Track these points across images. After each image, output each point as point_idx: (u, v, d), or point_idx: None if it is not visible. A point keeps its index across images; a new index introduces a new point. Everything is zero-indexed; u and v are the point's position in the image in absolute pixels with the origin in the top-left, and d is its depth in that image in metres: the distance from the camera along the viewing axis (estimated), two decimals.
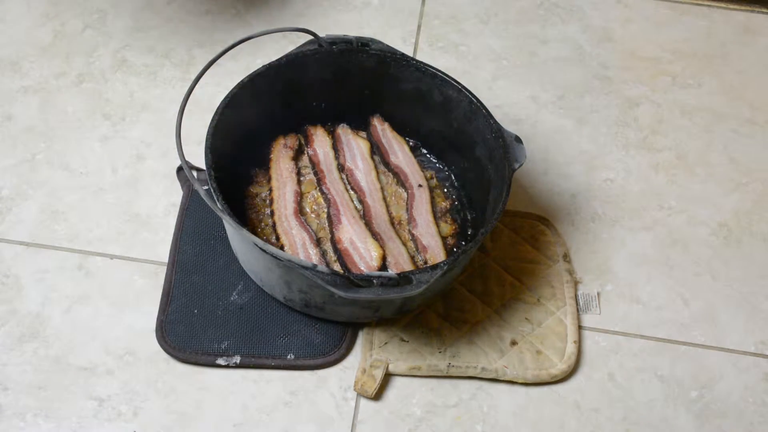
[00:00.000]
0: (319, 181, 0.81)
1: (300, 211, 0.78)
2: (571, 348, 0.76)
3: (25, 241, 0.82)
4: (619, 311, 0.81)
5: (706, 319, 0.82)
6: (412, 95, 0.83)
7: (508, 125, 0.95)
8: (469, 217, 0.83)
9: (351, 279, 0.62)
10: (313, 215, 0.79)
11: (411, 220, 0.79)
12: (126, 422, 0.71)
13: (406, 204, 0.81)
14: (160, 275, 0.79)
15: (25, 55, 0.98)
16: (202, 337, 0.75)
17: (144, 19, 1.04)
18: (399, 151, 0.84)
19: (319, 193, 0.80)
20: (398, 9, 1.08)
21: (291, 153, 0.83)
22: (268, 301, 0.77)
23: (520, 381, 0.74)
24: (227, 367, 0.74)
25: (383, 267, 0.74)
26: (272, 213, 0.78)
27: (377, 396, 0.73)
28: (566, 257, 0.83)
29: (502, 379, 0.74)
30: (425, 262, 0.75)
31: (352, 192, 0.81)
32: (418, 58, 1.01)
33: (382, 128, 0.86)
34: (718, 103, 1.01)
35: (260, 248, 0.62)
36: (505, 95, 1.00)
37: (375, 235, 0.76)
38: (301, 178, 0.81)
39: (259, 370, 0.74)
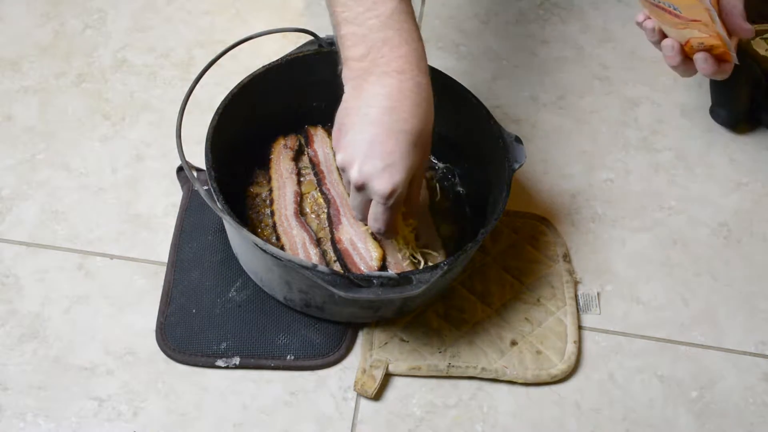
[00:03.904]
0: (320, 182, 0.81)
1: (300, 212, 0.78)
2: (571, 348, 0.76)
3: (25, 241, 0.82)
4: (619, 311, 0.81)
5: (706, 319, 0.82)
6: None
7: (508, 125, 0.95)
8: (469, 217, 0.83)
9: (351, 279, 0.62)
10: (313, 215, 0.79)
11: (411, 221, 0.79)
12: (126, 422, 0.71)
13: None
14: (160, 275, 0.79)
15: (25, 55, 0.98)
16: (201, 339, 0.75)
17: (144, 19, 1.04)
18: None
19: (319, 194, 0.80)
20: None
21: (291, 153, 0.83)
22: (267, 300, 0.77)
23: (520, 381, 0.74)
24: (227, 368, 0.74)
25: (383, 267, 0.74)
26: (272, 213, 0.78)
27: (377, 396, 0.73)
28: (566, 257, 0.83)
29: (502, 379, 0.74)
30: (425, 262, 0.75)
31: None
32: None
33: None
34: None
35: (260, 248, 0.62)
36: (505, 95, 1.00)
37: (375, 236, 0.76)
38: (302, 179, 0.81)
39: (258, 370, 0.74)
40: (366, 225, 0.69)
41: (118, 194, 0.86)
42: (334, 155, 0.83)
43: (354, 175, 0.62)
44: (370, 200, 0.65)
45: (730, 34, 0.65)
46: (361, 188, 0.63)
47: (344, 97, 0.65)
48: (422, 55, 0.64)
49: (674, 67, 0.70)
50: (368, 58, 0.62)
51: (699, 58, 0.68)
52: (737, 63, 0.67)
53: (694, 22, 0.64)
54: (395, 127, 0.61)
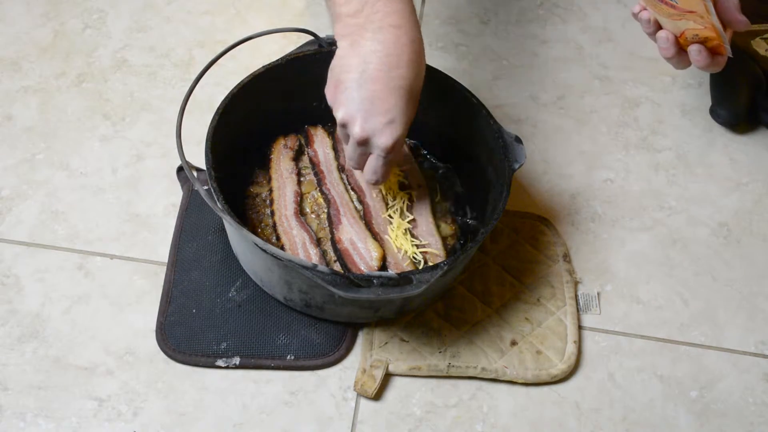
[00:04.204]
0: (320, 182, 0.81)
1: (300, 212, 0.78)
2: (571, 348, 0.76)
3: (25, 241, 0.82)
4: (619, 311, 0.81)
5: (706, 319, 0.82)
6: None
7: (508, 125, 0.95)
8: (469, 217, 0.83)
9: (351, 279, 0.62)
10: (313, 215, 0.79)
11: (411, 220, 0.79)
12: (126, 422, 0.71)
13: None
14: (160, 275, 0.79)
15: (25, 55, 0.98)
16: (201, 339, 0.75)
17: (144, 19, 1.04)
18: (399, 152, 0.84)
19: (319, 194, 0.80)
20: None
21: (291, 153, 0.83)
22: (267, 300, 0.77)
23: (520, 381, 0.74)
24: (227, 368, 0.74)
25: (383, 267, 0.74)
26: (272, 213, 0.78)
27: (377, 396, 0.73)
28: (566, 257, 0.83)
29: (502, 379, 0.74)
30: (425, 262, 0.75)
31: (352, 192, 0.81)
32: None
33: None
34: None
35: (261, 248, 0.62)
36: (505, 95, 1.00)
37: (375, 236, 0.76)
38: (302, 179, 0.81)
39: (258, 370, 0.74)
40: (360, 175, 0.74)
41: (118, 194, 0.86)
42: (335, 155, 0.83)
43: (356, 131, 0.64)
44: (368, 154, 0.68)
45: (725, 26, 0.65)
46: (363, 143, 0.66)
47: (338, 53, 0.66)
48: (413, 9, 0.65)
49: (668, 59, 0.71)
50: (363, 13, 0.63)
51: (693, 50, 0.68)
52: (731, 56, 0.67)
53: (690, 14, 0.64)
54: (394, 83, 0.63)
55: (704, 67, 0.68)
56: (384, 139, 0.64)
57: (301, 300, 0.72)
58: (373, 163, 0.68)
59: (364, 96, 0.63)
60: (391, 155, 0.66)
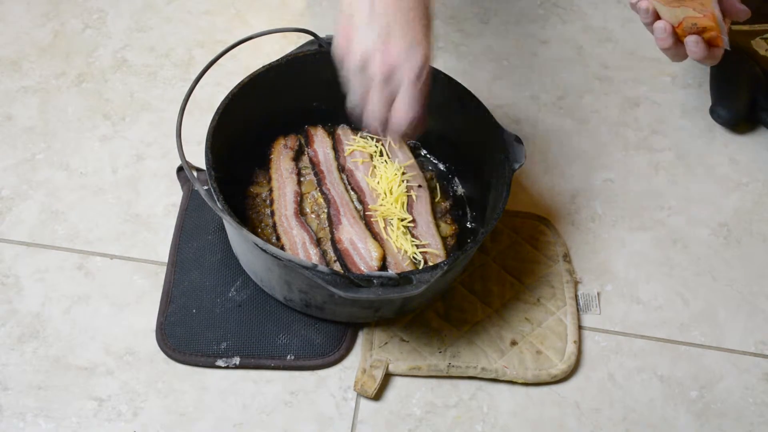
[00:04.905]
0: (320, 182, 0.81)
1: (300, 212, 0.78)
2: (571, 348, 0.76)
3: (25, 241, 0.82)
4: (619, 311, 0.81)
5: (706, 319, 0.82)
6: None
7: (508, 125, 0.95)
8: (469, 217, 0.83)
9: (351, 279, 0.62)
10: (313, 215, 0.79)
11: (411, 220, 0.79)
12: (126, 422, 0.71)
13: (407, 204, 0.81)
14: (160, 275, 0.79)
15: (25, 55, 0.98)
16: (201, 339, 0.75)
17: (144, 19, 1.04)
18: (399, 152, 0.84)
19: (319, 194, 0.80)
20: None
21: (291, 153, 0.83)
22: (267, 300, 0.77)
23: (520, 381, 0.74)
24: (227, 368, 0.74)
25: (383, 267, 0.74)
26: (272, 213, 0.78)
27: (377, 396, 0.73)
28: (566, 257, 0.83)
29: (502, 379, 0.74)
30: (425, 262, 0.75)
31: (352, 192, 0.81)
32: None
33: None
34: None
35: (261, 248, 0.62)
36: (505, 95, 1.00)
37: (375, 236, 0.76)
38: (302, 179, 0.81)
39: (258, 370, 0.74)
40: (380, 136, 0.68)
41: (118, 194, 0.86)
42: (335, 155, 0.83)
43: (378, 64, 0.61)
44: (394, 96, 0.63)
45: (725, 16, 0.65)
46: (389, 77, 0.62)
47: (343, 1, 0.63)
48: None
49: (665, 50, 0.70)
50: None
51: (690, 41, 0.68)
52: (728, 48, 0.67)
53: (690, 1, 0.64)
54: (407, 6, 0.61)
55: (701, 59, 0.68)
56: (412, 62, 0.60)
57: (301, 300, 0.72)
58: (404, 96, 0.62)
59: (380, 26, 0.60)
60: (423, 77, 0.62)
